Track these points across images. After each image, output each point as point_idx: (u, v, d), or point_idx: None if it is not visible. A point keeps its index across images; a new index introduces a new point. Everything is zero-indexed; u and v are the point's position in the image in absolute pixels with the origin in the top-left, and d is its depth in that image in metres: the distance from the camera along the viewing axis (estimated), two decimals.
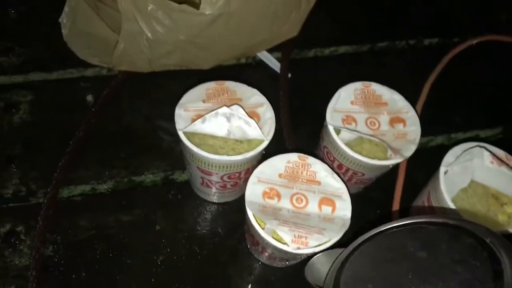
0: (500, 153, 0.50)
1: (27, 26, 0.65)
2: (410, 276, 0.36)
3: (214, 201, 0.54)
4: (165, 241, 0.51)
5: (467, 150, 0.48)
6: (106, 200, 0.53)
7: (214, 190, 0.51)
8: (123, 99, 0.60)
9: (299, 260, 0.48)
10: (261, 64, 0.67)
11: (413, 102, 0.62)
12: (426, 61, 0.71)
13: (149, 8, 0.54)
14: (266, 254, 0.47)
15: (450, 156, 0.49)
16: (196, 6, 0.54)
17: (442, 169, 0.47)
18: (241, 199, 0.54)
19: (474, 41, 0.74)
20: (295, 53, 0.69)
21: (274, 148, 0.47)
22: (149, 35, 0.55)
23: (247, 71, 0.66)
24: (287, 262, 0.48)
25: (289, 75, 0.65)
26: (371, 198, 0.57)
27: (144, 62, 0.59)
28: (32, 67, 0.61)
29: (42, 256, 0.48)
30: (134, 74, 0.62)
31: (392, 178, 0.57)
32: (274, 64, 0.66)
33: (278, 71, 0.66)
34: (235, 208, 0.54)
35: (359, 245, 0.36)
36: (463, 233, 0.34)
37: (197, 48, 0.58)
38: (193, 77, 0.62)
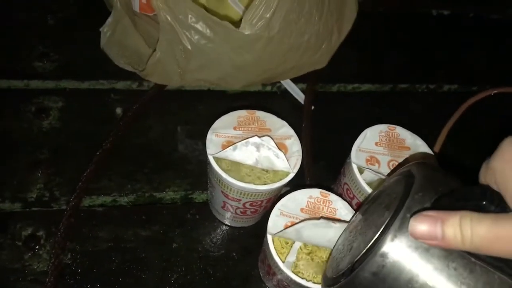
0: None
1: (64, 33, 0.67)
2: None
3: (232, 224, 0.55)
4: (180, 259, 0.52)
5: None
6: (126, 213, 0.54)
7: (233, 214, 0.52)
8: (151, 115, 0.62)
9: None
10: (286, 93, 0.68)
11: (430, 145, 0.64)
12: (445, 107, 0.73)
13: (189, 19, 0.55)
14: (279, 285, 0.48)
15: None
16: (236, 26, 0.56)
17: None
18: (257, 224, 0.56)
19: (492, 92, 0.75)
20: (319, 86, 0.70)
21: (293, 179, 0.48)
22: (188, 45, 0.56)
23: (271, 99, 0.67)
24: None
25: (312, 107, 0.67)
26: None
27: (177, 74, 0.60)
28: (64, 74, 0.63)
29: (61, 264, 0.49)
30: (163, 91, 0.63)
31: None
32: (298, 94, 0.68)
33: (302, 102, 0.67)
34: (251, 234, 0.55)
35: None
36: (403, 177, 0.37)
37: (231, 65, 0.59)
38: (219, 101, 0.65)
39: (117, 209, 0.54)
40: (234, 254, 0.54)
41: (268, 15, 0.55)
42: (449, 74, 0.78)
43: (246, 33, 0.54)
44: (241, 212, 0.51)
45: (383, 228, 0.33)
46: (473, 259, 0.30)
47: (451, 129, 0.69)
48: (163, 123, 0.61)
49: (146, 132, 0.60)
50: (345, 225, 0.43)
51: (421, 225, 0.30)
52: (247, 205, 0.49)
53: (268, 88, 0.68)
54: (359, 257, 0.35)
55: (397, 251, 0.31)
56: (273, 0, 0.55)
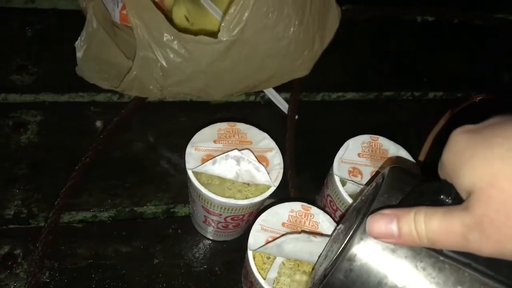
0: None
1: (42, 45, 0.66)
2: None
3: (214, 238, 0.54)
4: (162, 276, 0.51)
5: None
6: (107, 229, 0.53)
7: (215, 228, 0.51)
8: (132, 128, 0.61)
9: None
10: (269, 103, 0.68)
11: (415, 154, 0.64)
12: (430, 114, 0.72)
13: (165, 38, 0.55)
14: None
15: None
16: (213, 35, 0.55)
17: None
18: (240, 238, 0.55)
19: (477, 98, 0.75)
20: (303, 95, 0.70)
21: (276, 190, 0.47)
22: (164, 63, 0.56)
23: (255, 109, 0.67)
24: None
25: (296, 116, 0.66)
26: None
27: (155, 88, 0.59)
28: (43, 87, 0.62)
29: (38, 282, 0.48)
30: (144, 103, 0.63)
31: None
32: (282, 104, 0.67)
33: (286, 111, 0.67)
34: (234, 248, 0.54)
35: None
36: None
37: (210, 77, 0.59)
38: (202, 112, 0.64)
39: (97, 225, 0.53)
40: (217, 269, 0.53)
41: (244, 18, 0.54)
42: (434, 81, 0.78)
43: (224, 39, 0.53)
44: (223, 226, 0.50)
45: (351, 233, 0.33)
46: (441, 258, 0.30)
47: (436, 137, 0.69)
48: (145, 135, 0.61)
49: (127, 145, 0.59)
50: (327, 238, 0.43)
51: (377, 224, 0.30)
52: (228, 219, 0.49)
53: (252, 98, 0.68)
54: (330, 264, 0.35)
55: (363, 254, 0.31)
56: (248, 4, 0.54)
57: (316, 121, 0.68)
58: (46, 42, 0.66)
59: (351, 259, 0.31)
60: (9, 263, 0.48)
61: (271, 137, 0.50)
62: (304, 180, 0.61)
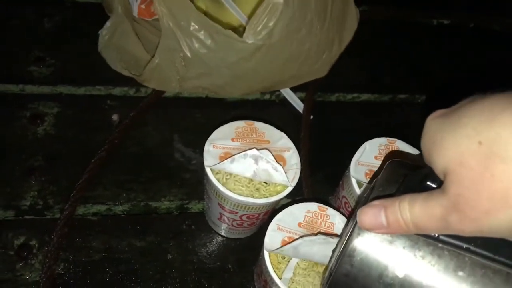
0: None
1: (60, 37, 0.66)
2: None
3: (227, 235, 0.55)
4: (174, 271, 0.51)
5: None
6: (121, 223, 0.53)
7: (230, 226, 0.51)
8: (148, 123, 0.61)
9: None
10: (284, 102, 0.68)
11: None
12: None
13: (192, 27, 0.55)
14: None
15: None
16: (239, 33, 0.55)
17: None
18: (253, 235, 0.55)
19: None
20: (318, 95, 0.70)
21: (291, 191, 0.47)
22: (188, 53, 0.56)
23: (270, 108, 0.67)
24: None
25: (311, 116, 0.66)
26: None
27: (175, 81, 0.59)
28: (61, 79, 0.62)
29: (53, 274, 0.48)
30: (161, 98, 0.63)
31: None
32: (297, 103, 0.67)
33: (301, 111, 0.67)
34: (247, 245, 0.55)
35: None
36: None
37: (231, 75, 0.59)
38: (217, 108, 0.64)
39: (111, 219, 0.53)
40: (230, 266, 0.53)
41: (271, 24, 0.55)
42: (449, 84, 0.78)
43: (249, 42, 0.53)
44: (237, 224, 0.50)
45: (350, 229, 0.34)
46: (440, 245, 0.30)
47: None
48: (160, 130, 0.61)
49: (142, 140, 0.59)
50: None
51: (367, 216, 0.31)
52: (244, 217, 0.49)
53: (267, 96, 0.68)
54: (333, 262, 0.35)
55: (362, 248, 0.31)
56: (276, 9, 0.54)
57: (330, 121, 0.68)
58: (64, 34, 0.66)
59: (351, 255, 0.32)
60: (25, 253, 0.49)
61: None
62: (317, 180, 0.61)
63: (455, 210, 0.26)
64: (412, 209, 0.28)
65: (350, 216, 0.47)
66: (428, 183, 0.30)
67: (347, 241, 0.33)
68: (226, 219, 0.50)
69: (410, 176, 0.33)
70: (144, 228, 0.53)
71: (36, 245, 0.50)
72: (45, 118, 0.58)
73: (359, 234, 0.31)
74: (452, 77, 0.80)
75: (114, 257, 0.51)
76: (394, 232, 0.30)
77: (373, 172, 0.50)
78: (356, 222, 0.32)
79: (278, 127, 0.51)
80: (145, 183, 0.56)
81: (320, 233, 0.45)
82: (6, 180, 0.53)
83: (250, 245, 0.54)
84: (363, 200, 0.34)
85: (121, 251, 0.51)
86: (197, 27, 0.53)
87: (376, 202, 0.31)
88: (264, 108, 0.66)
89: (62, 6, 0.69)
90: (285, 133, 0.50)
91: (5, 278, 0.47)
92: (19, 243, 0.49)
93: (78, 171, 0.54)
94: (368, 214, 0.30)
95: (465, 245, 0.29)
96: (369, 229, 0.31)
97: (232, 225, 0.51)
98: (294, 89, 0.68)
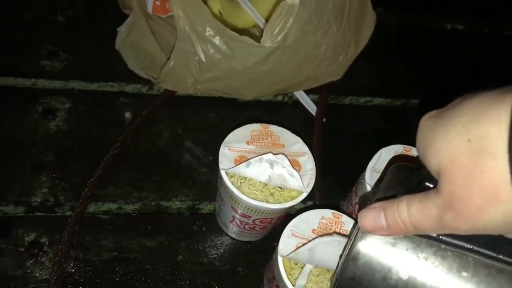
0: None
1: (74, 32, 0.65)
2: None
3: (238, 238, 0.54)
4: (185, 272, 0.51)
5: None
6: (132, 222, 0.53)
7: (241, 229, 0.51)
8: (160, 122, 0.60)
9: None
10: (297, 104, 0.67)
11: None
12: None
13: (207, 32, 0.54)
14: None
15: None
16: (255, 38, 0.55)
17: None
18: (264, 239, 0.55)
19: None
20: (331, 98, 0.69)
21: None
22: (202, 57, 0.55)
23: (282, 109, 0.66)
24: None
25: (324, 119, 0.66)
26: None
27: (189, 83, 0.59)
28: (73, 74, 0.61)
29: (63, 272, 0.48)
30: (173, 97, 0.62)
31: None
32: (310, 106, 0.67)
33: (313, 113, 0.66)
34: (258, 249, 0.54)
35: None
36: None
37: (246, 78, 0.58)
38: (230, 109, 0.64)
39: (122, 217, 0.53)
40: (240, 269, 0.53)
41: (288, 25, 0.54)
42: (462, 90, 0.77)
43: (267, 45, 0.52)
44: (249, 227, 0.50)
45: (354, 233, 0.33)
46: (442, 246, 0.30)
47: None
48: (172, 130, 0.60)
49: (154, 139, 0.59)
50: None
51: (367, 218, 0.31)
52: (257, 221, 0.48)
53: (280, 98, 0.67)
54: (338, 267, 0.35)
55: (365, 251, 0.31)
56: (292, 10, 0.53)
57: (342, 125, 0.68)
58: (77, 29, 0.65)
59: (355, 258, 0.32)
60: (35, 250, 0.48)
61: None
62: (329, 184, 0.60)
63: (449, 209, 0.27)
64: (410, 210, 0.29)
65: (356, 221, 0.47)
66: (426, 183, 0.30)
67: (351, 245, 0.33)
68: (238, 222, 0.50)
69: (409, 178, 0.33)
70: (155, 228, 0.53)
71: (47, 242, 0.49)
72: (57, 114, 0.58)
73: (362, 237, 0.32)
74: (463, 81, 0.79)
75: (124, 256, 0.50)
76: (395, 233, 0.30)
77: None
78: (359, 227, 0.32)
79: (290, 129, 0.50)
80: (157, 182, 0.56)
81: (335, 233, 0.45)
82: (17, 176, 0.53)
83: (261, 248, 0.54)
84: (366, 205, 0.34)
85: (132, 250, 0.51)
86: (212, 32, 0.53)
87: (375, 205, 0.31)
88: (277, 110, 0.66)
89: (76, 1, 0.68)
90: (297, 135, 0.50)
91: (15, 275, 0.47)
92: (30, 240, 0.49)
93: (89, 168, 0.54)
94: (368, 217, 0.31)
95: (468, 245, 0.30)
96: (370, 232, 0.31)
97: (244, 228, 0.51)
98: (307, 91, 0.67)
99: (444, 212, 0.27)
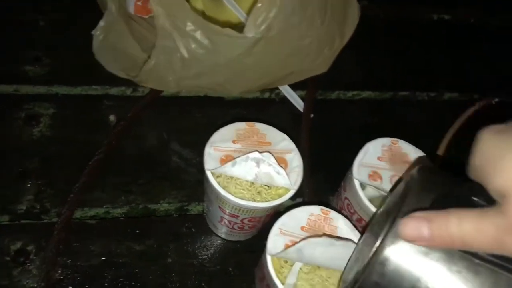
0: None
1: (56, 36, 0.64)
2: None
3: (228, 238, 0.54)
4: (175, 275, 0.51)
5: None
6: (120, 226, 0.52)
7: (230, 229, 0.50)
8: (146, 123, 0.60)
9: None
10: (284, 100, 0.66)
11: (429, 154, 0.63)
12: (445, 115, 0.71)
13: (188, 27, 0.53)
14: None
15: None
16: (238, 30, 0.54)
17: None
18: (254, 238, 0.54)
19: (494, 100, 0.74)
20: (318, 93, 0.69)
21: None
22: (185, 53, 0.55)
23: (270, 106, 0.66)
24: None
25: (312, 115, 0.65)
26: None
27: (173, 81, 0.58)
28: (57, 79, 0.60)
29: (51, 280, 0.47)
30: (159, 98, 0.62)
31: None
32: (297, 102, 0.66)
33: (301, 109, 0.66)
34: (248, 248, 0.54)
35: None
36: None
37: (230, 72, 0.58)
38: (217, 107, 0.63)
39: (110, 222, 0.52)
40: (230, 269, 0.52)
41: (271, 15, 0.53)
42: (450, 82, 0.77)
43: (250, 35, 0.52)
44: (238, 227, 0.50)
45: (382, 236, 0.33)
46: (476, 261, 0.29)
47: (452, 138, 0.68)
48: (159, 131, 0.60)
49: (140, 141, 0.58)
50: (349, 242, 0.42)
51: (409, 227, 0.30)
52: (245, 221, 0.48)
53: (267, 95, 0.66)
54: (360, 269, 0.34)
55: (396, 257, 0.31)
56: (275, 1, 0.53)
57: (330, 119, 0.67)
58: (60, 33, 0.65)
59: (383, 263, 0.31)
60: (22, 259, 0.48)
61: (285, 134, 0.49)
62: (318, 180, 0.60)
63: None
64: (462, 225, 0.28)
65: (369, 223, 0.47)
66: (477, 199, 0.29)
67: (378, 248, 0.32)
68: (227, 222, 0.49)
69: (450, 188, 0.32)
70: (143, 231, 0.52)
71: (34, 250, 0.49)
72: (41, 119, 0.57)
73: (392, 242, 0.31)
74: (453, 73, 0.79)
75: (113, 261, 0.50)
76: (435, 246, 0.30)
77: (376, 173, 0.49)
78: (389, 230, 0.31)
79: (278, 126, 0.50)
80: (144, 185, 0.55)
81: (325, 234, 0.44)
82: (1, 183, 0.52)
83: (251, 247, 0.54)
84: (396, 210, 0.33)
85: (120, 255, 0.50)
86: (193, 27, 0.52)
87: (419, 214, 0.30)
88: (264, 107, 0.65)
89: (57, 3, 0.67)
90: (285, 132, 0.49)
91: (2, 284, 0.46)
92: (16, 248, 0.48)
93: (75, 173, 0.53)
94: (410, 226, 0.30)
95: (503, 263, 0.29)
96: (409, 240, 0.30)
97: (233, 228, 0.50)
98: (294, 87, 0.67)
99: (506, 235, 0.26)
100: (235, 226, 0.49)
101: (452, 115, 0.71)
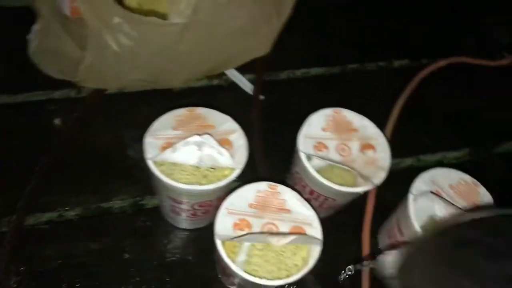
0: (467, 178, 0.51)
1: None
2: None
3: (185, 227, 0.53)
4: (134, 270, 0.50)
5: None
6: (74, 228, 0.52)
7: (184, 217, 0.50)
8: (93, 123, 0.59)
9: None
10: (233, 85, 0.66)
11: (382, 124, 0.63)
12: (396, 83, 0.72)
13: (115, 21, 0.53)
14: (237, 284, 0.47)
15: (419, 182, 0.49)
16: (165, 18, 0.54)
17: (410, 196, 0.48)
18: (212, 224, 0.54)
19: (443, 63, 0.75)
20: (267, 75, 0.69)
21: (246, 174, 0.47)
22: (116, 48, 0.54)
23: (219, 93, 0.65)
24: None
25: (262, 97, 0.65)
26: (342, 221, 0.57)
27: (112, 77, 0.57)
28: None
29: None
30: (104, 96, 0.61)
31: (362, 201, 0.58)
32: (246, 85, 0.66)
33: (251, 92, 0.66)
34: (207, 235, 0.52)
35: None
36: None
37: (167, 61, 0.57)
38: (165, 100, 0.62)
39: (64, 225, 0.52)
40: (191, 258, 0.52)
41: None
42: (399, 50, 0.78)
43: (176, 22, 0.51)
44: (191, 214, 0.49)
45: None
46: None
47: (404, 105, 0.69)
48: (107, 129, 0.59)
49: (88, 141, 0.58)
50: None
51: None
52: (196, 206, 0.48)
53: (215, 82, 0.66)
54: None
55: None
56: None
57: (283, 100, 0.67)
58: None
59: None
60: None
61: (238, 119, 0.49)
62: (274, 160, 0.60)
63: None
64: None
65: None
66: None
67: None
68: (179, 210, 0.49)
69: None
70: (99, 230, 0.52)
71: None
72: None
73: None
74: (400, 41, 0.79)
75: (70, 263, 0.49)
76: None
77: (321, 144, 0.50)
78: None
79: (229, 111, 0.49)
80: (96, 184, 0.55)
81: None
82: None
83: (209, 234, 0.52)
84: None
85: (77, 256, 0.50)
86: (120, 20, 0.52)
87: None
88: (214, 95, 0.65)
89: None
90: (237, 116, 0.49)
91: None
92: None
93: (24, 180, 0.52)
94: None
95: None
96: None
97: (187, 216, 0.50)
98: (242, 71, 0.67)
99: None
100: (188, 213, 0.49)
101: (403, 82, 0.72)
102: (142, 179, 0.56)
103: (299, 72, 0.71)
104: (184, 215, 0.50)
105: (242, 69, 0.67)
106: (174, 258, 0.52)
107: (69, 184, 0.54)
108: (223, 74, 0.66)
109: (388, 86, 0.72)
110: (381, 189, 0.57)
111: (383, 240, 0.55)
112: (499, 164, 0.67)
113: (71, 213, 0.53)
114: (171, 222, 0.53)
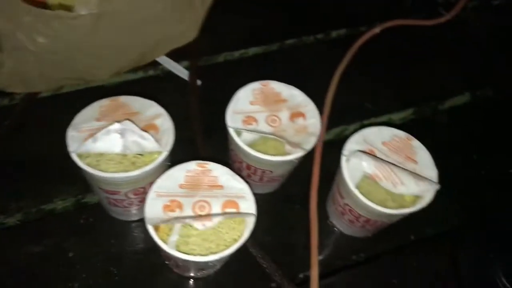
0: (400, 134, 0.51)
1: None
2: None
3: (128, 219, 0.53)
4: (80, 267, 0.50)
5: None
6: (15, 234, 0.51)
7: (122, 208, 0.50)
8: (27, 127, 0.58)
9: (214, 267, 0.48)
10: (170, 74, 0.66)
11: (324, 94, 0.63)
12: (336, 54, 0.72)
13: (26, 20, 0.52)
14: (180, 266, 0.46)
15: (351, 143, 0.49)
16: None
17: (343, 157, 0.48)
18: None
19: (378, 29, 0.75)
20: (204, 60, 0.68)
21: (185, 158, 0.46)
22: (32, 47, 0.53)
23: (156, 84, 0.65)
24: (203, 271, 0.48)
25: (199, 82, 0.65)
26: (289, 194, 0.57)
27: (36, 79, 0.57)
28: None
29: None
30: (38, 100, 0.60)
31: (308, 172, 0.58)
32: (182, 72, 0.66)
33: (187, 78, 0.65)
34: None
35: None
36: None
37: (88, 55, 0.56)
38: (100, 97, 0.61)
39: (5, 232, 0.51)
40: (137, 248, 0.52)
41: None
42: (336, 20, 0.78)
43: (82, 13, 0.51)
44: (128, 203, 0.49)
45: None
46: None
47: (344, 73, 0.69)
48: (43, 132, 0.58)
49: (24, 146, 0.57)
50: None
51: None
52: (130, 194, 0.47)
53: (151, 72, 0.66)
54: None
55: None
56: None
57: (223, 83, 0.66)
58: None
59: None
60: None
61: (177, 107, 0.49)
62: (215, 144, 0.59)
63: None
64: None
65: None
66: None
67: None
68: (115, 201, 0.48)
69: None
70: (40, 233, 0.51)
71: None
72: None
73: None
74: (337, 11, 0.79)
75: (11, 269, 0.49)
76: None
77: (250, 117, 0.49)
78: None
79: (167, 100, 0.49)
80: (35, 188, 0.54)
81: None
82: None
83: None
84: None
85: (19, 261, 0.49)
86: (31, 18, 0.51)
87: None
88: (150, 85, 0.65)
89: None
90: (176, 104, 0.49)
91: None
92: None
93: None
94: None
95: None
96: None
97: (124, 206, 0.49)
98: (177, 59, 0.66)
99: None
100: (125, 203, 0.49)
101: (343, 52, 0.72)
102: (82, 178, 0.55)
103: (237, 53, 0.71)
104: (121, 205, 0.49)
105: (177, 57, 0.66)
106: (121, 250, 0.51)
107: (7, 190, 0.53)
108: (159, 64, 0.66)
109: (328, 57, 0.72)
110: (326, 159, 0.58)
111: (329, 207, 0.55)
112: (442, 120, 0.68)
113: (11, 220, 0.52)
114: (114, 216, 0.53)
